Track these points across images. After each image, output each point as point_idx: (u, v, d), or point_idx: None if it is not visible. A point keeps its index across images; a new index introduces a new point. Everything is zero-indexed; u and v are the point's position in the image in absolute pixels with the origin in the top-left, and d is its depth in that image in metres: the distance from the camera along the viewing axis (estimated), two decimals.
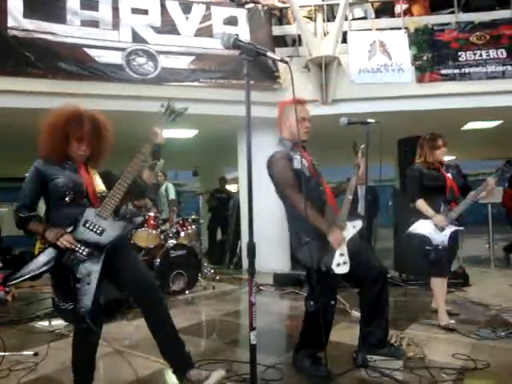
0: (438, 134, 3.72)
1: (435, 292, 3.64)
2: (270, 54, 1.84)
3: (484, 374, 2.61)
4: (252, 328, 1.78)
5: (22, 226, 2.19)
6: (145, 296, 2.29)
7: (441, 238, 3.50)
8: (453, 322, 3.53)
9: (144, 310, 2.32)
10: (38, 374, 2.74)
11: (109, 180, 2.31)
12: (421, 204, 3.59)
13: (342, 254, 2.53)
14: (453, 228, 3.51)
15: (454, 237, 3.56)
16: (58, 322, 3.86)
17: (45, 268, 2.10)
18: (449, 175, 3.66)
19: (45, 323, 3.97)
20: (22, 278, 2.09)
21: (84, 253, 2.10)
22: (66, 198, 2.17)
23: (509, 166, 3.49)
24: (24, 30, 5.14)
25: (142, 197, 4.85)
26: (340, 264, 2.52)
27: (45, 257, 2.10)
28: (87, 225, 2.14)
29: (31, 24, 5.18)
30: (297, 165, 2.60)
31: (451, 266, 4.00)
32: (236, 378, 2.55)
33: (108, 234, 2.16)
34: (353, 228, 2.63)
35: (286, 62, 1.96)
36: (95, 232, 2.14)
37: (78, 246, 2.10)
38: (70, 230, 2.12)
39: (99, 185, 2.29)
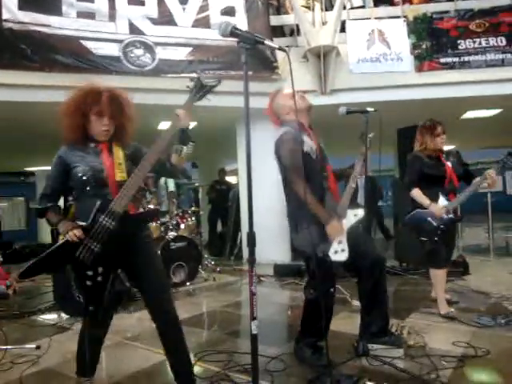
0: (436, 120, 3.68)
1: (434, 281, 3.65)
2: (268, 42, 1.81)
3: (484, 362, 2.63)
4: (253, 318, 1.78)
5: (41, 215, 2.16)
6: (160, 324, 2.19)
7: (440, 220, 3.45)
8: (453, 310, 3.54)
9: (157, 329, 2.22)
10: (41, 367, 2.76)
11: (138, 160, 2.10)
12: (416, 193, 3.55)
13: (340, 242, 2.52)
14: (451, 215, 3.48)
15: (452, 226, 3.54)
16: (60, 316, 3.88)
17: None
18: (449, 164, 3.62)
19: (46, 317, 3.99)
20: (33, 262, 2.03)
21: (96, 249, 2.01)
22: (88, 187, 2.07)
23: (511, 157, 3.44)
24: (19, 23, 5.09)
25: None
26: (338, 251, 2.51)
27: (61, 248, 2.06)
28: (100, 219, 2.00)
29: (26, 16, 5.13)
30: (306, 147, 2.54)
31: (450, 257, 4.00)
32: (238, 369, 2.57)
33: (121, 229, 2.02)
34: (354, 216, 2.62)
35: (285, 51, 1.93)
36: (108, 227, 2.00)
37: (91, 241, 2.01)
38: (82, 224, 2.03)
39: (122, 171, 2.12)
